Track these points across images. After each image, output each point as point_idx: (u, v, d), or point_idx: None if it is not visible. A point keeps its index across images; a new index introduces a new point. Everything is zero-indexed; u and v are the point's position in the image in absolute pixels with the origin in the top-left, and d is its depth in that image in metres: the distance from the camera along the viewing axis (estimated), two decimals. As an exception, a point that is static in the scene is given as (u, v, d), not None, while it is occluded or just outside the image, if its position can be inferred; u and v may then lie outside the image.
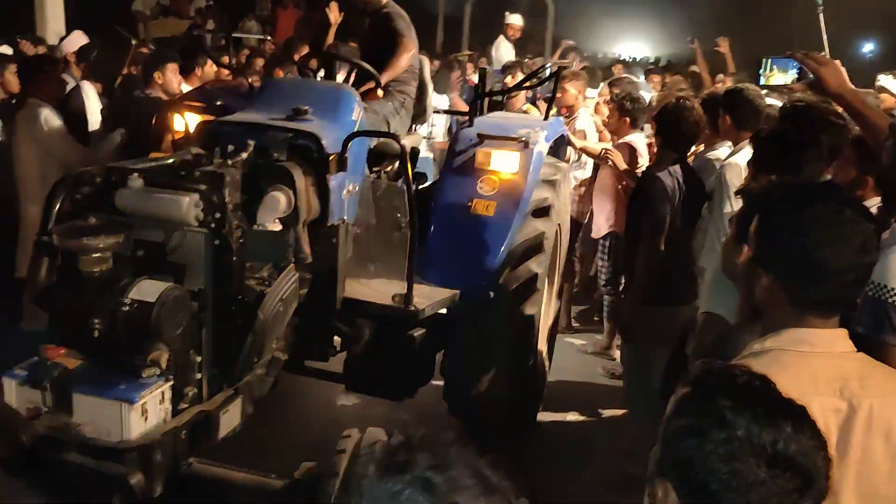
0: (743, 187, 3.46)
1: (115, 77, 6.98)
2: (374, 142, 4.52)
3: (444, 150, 5.99)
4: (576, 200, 6.49)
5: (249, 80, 5.22)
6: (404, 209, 4.12)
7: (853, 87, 2.74)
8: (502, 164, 4.46)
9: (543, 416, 5.13)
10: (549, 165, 4.79)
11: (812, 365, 1.77)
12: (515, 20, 11.30)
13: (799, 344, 1.79)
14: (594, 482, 4.48)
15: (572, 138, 5.86)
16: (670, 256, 4.18)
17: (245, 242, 3.27)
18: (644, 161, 5.52)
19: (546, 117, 5.31)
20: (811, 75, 2.72)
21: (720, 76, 9.15)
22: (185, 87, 6.16)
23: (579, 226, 6.52)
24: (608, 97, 6.25)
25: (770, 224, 1.84)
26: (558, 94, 6.08)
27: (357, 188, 4.14)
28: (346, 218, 4.01)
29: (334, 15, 5.39)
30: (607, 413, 5.38)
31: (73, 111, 5.79)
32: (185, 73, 6.43)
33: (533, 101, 7.63)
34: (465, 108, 6.26)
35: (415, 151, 5.33)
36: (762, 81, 3.20)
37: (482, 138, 4.55)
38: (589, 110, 6.97)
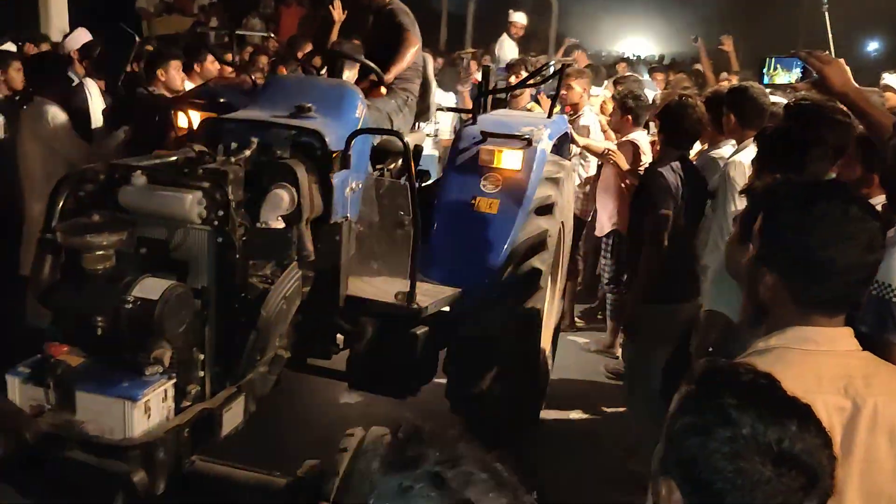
0: (747, 186, 3.45)
1: (118, 74, 6.97)
2: (377, 139, 4.52)
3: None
4: (579, 198, 6.48)
5: (253, 77, 5.22)
6: (407, 207, 4.12)
7: (857, 85, 2.74)
8: (506, 161, 4.45)
9: (546, 415, 5.12)
10: (553, 163, 4.79)
11: (817, 363, 1.76)
12: (519, 18, 11.29)
13: (804, 342, 1.78)
14: (598, 480, 4.47)
15: (575, 136, 5.86)
16: (673, 254, 4.18)
17: (248, 240, 3.27)
18: (647, 159, 5.51)
19: (550, 115, 5.31)
20: (815, 74, 2.71)
21: (724, 74, 9.12)
22: (189, 85, 6.16)
23: (583, 224, 6.52)
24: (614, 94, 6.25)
25: (774, 222, 1.83)
26: (563, 92, 6.07)
27: (360, 186, 4.13)
28: (349, 215, 4.00)
29: (338, 12, 5.38)
30: (610, 411, 5.37)
31: (76, 108, 5.79)
32: (189, 70, 6.42)
33: (536, 99, 7.62)
34: (473, 105, 6.26)
35: (418, 149, 5.33)
36: (766, 80, 3.18)
37: (485, 136, 4.55)
38: (594, 108, 6.96)
